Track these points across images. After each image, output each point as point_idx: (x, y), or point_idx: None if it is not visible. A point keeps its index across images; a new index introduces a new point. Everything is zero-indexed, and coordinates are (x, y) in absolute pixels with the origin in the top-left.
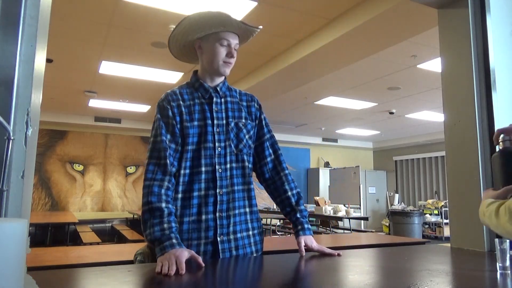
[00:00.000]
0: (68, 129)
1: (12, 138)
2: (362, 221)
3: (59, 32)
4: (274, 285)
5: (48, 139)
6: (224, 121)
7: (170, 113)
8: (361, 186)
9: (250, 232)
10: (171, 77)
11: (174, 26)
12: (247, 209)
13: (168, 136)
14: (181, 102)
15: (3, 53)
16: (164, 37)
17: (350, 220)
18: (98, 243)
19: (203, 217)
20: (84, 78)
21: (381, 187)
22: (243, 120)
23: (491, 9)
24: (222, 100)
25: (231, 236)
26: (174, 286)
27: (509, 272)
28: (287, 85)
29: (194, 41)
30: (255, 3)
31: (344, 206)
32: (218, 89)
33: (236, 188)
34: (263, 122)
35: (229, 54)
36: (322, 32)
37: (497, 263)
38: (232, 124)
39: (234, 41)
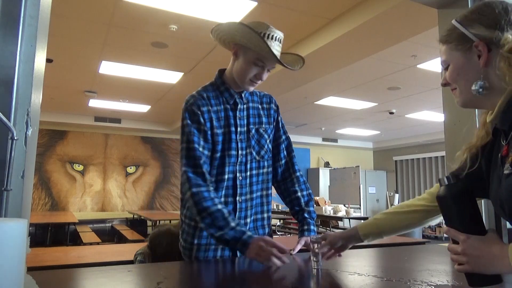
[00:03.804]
0: (68, 129)
1: (16, 138)
2: (362, 221)
3: (59, 32)
4: (274, 285)
5: (48, 139)
6: (246, 128)
7: (201, 119)
8: (361, 186)
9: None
10: (171, 77)
11: (174, 26)
12: (265, 215)
13: (202, 143)
14: (210, 108)
15: (3, 53)
16: (164, 37)
17: (350, 220)
18: (98, 243)
19: None
20: (84, 78)
21: (381, 187)
22: (264, 126)
23: None
24: (245, 106)
25: None
26: (174, 287)
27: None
28: (287, 85)
29: (231, 45)
30: (255, 3)
31: (344, 206)
32: (242, 94)
33: (255, 195)
34: (280, 124)
35: (258, 76)
36: (322, 32)
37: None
38: (253, 131)
39: (271, 65)
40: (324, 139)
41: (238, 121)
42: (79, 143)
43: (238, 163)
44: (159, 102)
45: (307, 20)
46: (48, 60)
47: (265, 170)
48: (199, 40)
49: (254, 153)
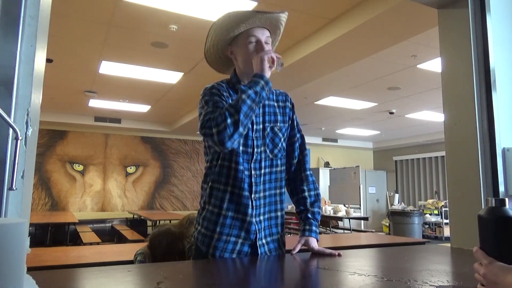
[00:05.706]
0: (68, 129)
1: (20, 138)
2: (362, 221)
3: (59, 32)
4: (274, 285)
5: (48, 139)
6: (261, 126)
7: (223, 98)
8: (361, 186)
9: (279, 235)
10: (171, 77)
11: (174, 26)
12: (278, 213)
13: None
14: (228, 95)
15: (3, 53)
16: (164, 37)
17: (350, 220)
18: (98, 243)
19: (247, 218)
20: (84, 78)
21: (381, 187)
22: (279, 124)
23: (491, 9)
24: (260, 104)
25: (264, 240)
26: (174, 287)
27: None
28: (287, 85)
29: (225, 48)
30: (255, 3)
31: (344, 206)
32: None
33: (267, 193)
34: (295, 122)
35: (260, 48)
36: (322, 32)
37: None
38: (268, 129)
39: (264, 35)
40: (324, 139)
41: (254, 118)
42: (79, 143)
43: (253, 161)
44: (159, 102)
45: (307, 20)
46: (48, 60)
47: (278, 168)
48: (199, 40)
49: (268, 151)
